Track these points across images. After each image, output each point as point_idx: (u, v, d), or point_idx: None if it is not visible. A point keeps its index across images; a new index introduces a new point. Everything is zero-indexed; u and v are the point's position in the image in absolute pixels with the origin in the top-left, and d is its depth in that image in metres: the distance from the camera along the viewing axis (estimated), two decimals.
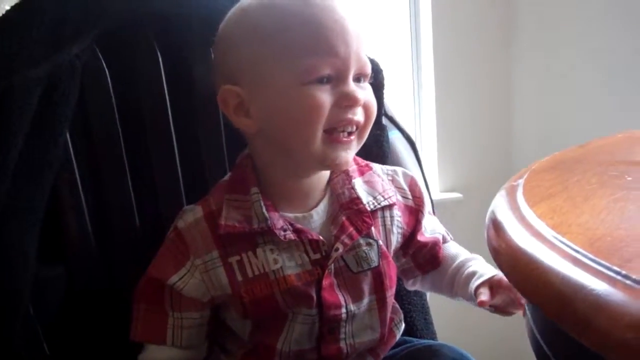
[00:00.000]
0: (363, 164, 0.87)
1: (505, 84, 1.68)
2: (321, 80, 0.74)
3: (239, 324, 0.81)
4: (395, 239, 0.85)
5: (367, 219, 0.81)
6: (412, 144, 1.05)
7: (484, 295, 0.77)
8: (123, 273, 0.86)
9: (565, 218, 0.49)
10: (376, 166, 0.89)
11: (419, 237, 0.88)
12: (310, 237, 0.78)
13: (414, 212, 0.88)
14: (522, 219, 0.51)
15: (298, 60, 0.73)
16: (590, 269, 0.40)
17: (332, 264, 0.79)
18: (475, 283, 0.81)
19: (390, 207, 0.85)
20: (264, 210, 0.77)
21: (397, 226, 0.85)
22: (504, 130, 1.71)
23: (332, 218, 0.81)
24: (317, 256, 0.78)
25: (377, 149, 0.99)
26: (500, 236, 0.53)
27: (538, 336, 0.51)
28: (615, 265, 0.39)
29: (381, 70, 1.02)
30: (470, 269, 0.85)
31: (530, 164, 0.70)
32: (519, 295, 0.76)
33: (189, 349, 0.80)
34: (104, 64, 0.86)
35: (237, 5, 0.79)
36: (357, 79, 0.77)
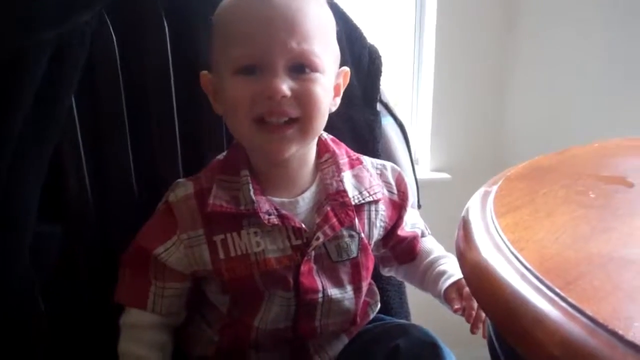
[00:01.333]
0: (354, 157, 0.90)
1: (501, 74, 1.72)
2: (248, 71, 0.76)
3: (219, 297, 0.85)
4: (377, 232, 0.89)
5: (350, 212, 0.84)
6: (403, 131, 1.08)
7: (457, 302, 0.83)
8: (117, 234, 0.90)
9: (525, 233, 0.54)
10: (367, 160, 0.91)
11: (400, 232, 0.92)
12: (293, 224, 0.81)
13: (398, 207, 0.92)
14: (487, 230, 0.56)
15: (227, 51, 0.78)
16: (535, 286, 0.45)
17: (313, 251, 0.82)
18: (444, 284, 0.87)
19: (375, 202, 0.88)
20: (252, 193, 0.80)
21: (381, 220, 0.89)
22: (496, 118, 1.76)
23: (317, 207, 0.84)
24: (299, 242, 0.81)
25: (369, 134, 1.02)
26: (467, 241, 0.58)
27: (494, 339, 0.56)
28: (557, 287, 0.44)
29: (379, 57, 1.06)
30: (440, 267, 0.90)
31: (505, 170, 0.75)
32: (472, 307, 0.81)
33: (167, 316, 0.84)
34: (112, 31, 0.89)
35: None
36: (298, 69, 0.77)
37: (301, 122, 0.78)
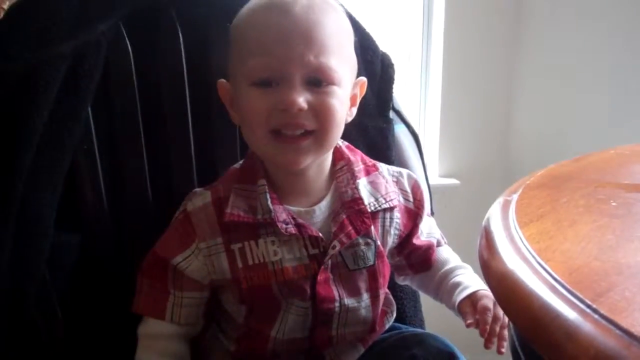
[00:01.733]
0: (370, 164, 0.90)
1: (508, 80, 1.72)
2: (265, 83, 0.76)
3: (235, 308, 0.85)
4: (392, 240, 0.89)
5: (367, 220, 0.84)
6: (416, 138, 1.08)
7: (471, 317, 0.82)
8: (134, 243, 0.91)
9: (551, 243, 0.54)
10: (383, 167, 0.91)
11: (415, 240, 0.92)
12: (310, 233, 0.81)
13: (413, 215, 0.92)
14: (512, 240, 0.56)
15: (245, 62, 0.78)
16: (566, 298, 0.45)
17: (329, 260, 0.82)
18: (458, 297, 0.86)
19: (391, 209, 0.88)
20: (269, 202, 0.80)
21: (395, 228, 0.89)
22: (503, 124, 1.76)
23: (333, 215, 0.84)
24: (315, 251, 0.82)
25: (382, 141, 1.03)
26: (490, 251, 0.57)
27: (519, 349, 0.56)
28: (588, 299, 0.44)
29: (392, 65, 1.06)
30: (456, 279, 0.90)
31: (525, 177, 0.75)
32: (486, 322, 0.81)
33: (185, 326, 0.84)
34: (128, 41, 0.90)
35: None
36: (315, 82, 0.77)
37: (317, 134, 0.78)
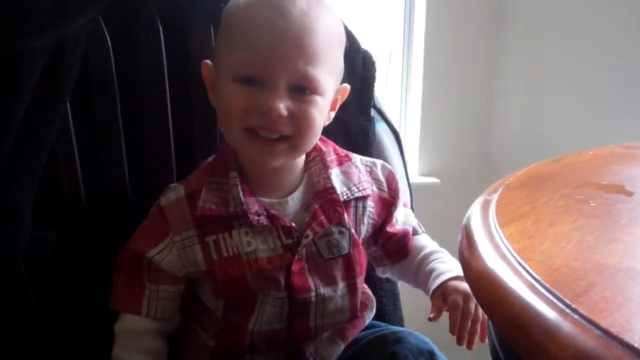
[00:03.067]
0: (343, 154, 0.90)
1: (489, 79, 1.73)
2: (248, 81, 0.76)
3: (213, 301, 0.85)
4: (365, 229, 0.89)
5: (339, 209, 0.84)
6: (396, 136, 1.09)
7: (435, 310, 0.82)
8: (111, 239, 0.90)
9: (530, 243, 0.54)
10: (356, 157, 0.92)
11: (389, 228, 0.92)
12: (283, 223, 0.81)
13: (387, 204, 0.92)
14: (492, 239, 0.56)
15: (231, 52, 0.77)
16: (545, 298, 0.45)
17: (303, 250, 0.82)
18: (432, 285, 0.86)
19: (364, 198, 0.88)
20: (241, 194, 0.80)
21: (368, 217, 0.89)
22: (484, 123, 1.77)
23: (306, 205, 0.84)
24: (289, 241, 0.82)
25: (363, 139, 1.03)
26: (471, 250, 0.57)
27: (498, 348, 0.56)
28: (567, 298, 0.44)
29: (373, 63, 1.06)
30: (430, 265, 0.89)
31: (505, 177, 0.75)
32: (456, 319, 0.80)
33: (161, 321, 0.84)
34: (107, 35, 0.89)
35: None
36: (298, 89, 0.77)
37: (293, 140, 0.79)
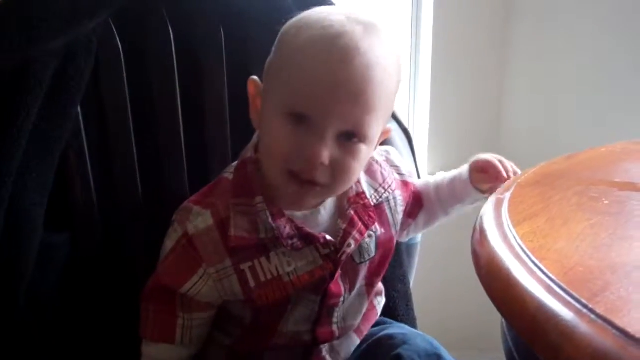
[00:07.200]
0: None
1: (498, 77, 1.72)
2: (297, 118, 0.73)
3: (240, 309, 0.83)
4: (400, 217, 0.90)
5: (372, 214, 0.84)
6: (408, 136, 1.08)
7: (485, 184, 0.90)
8: (124, 242, 0.90)
9: (545, 242, 0.54)
10: None
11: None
12: (317, 242, 0.80)
13: (407, 186, 0.93)
14: (505, 238, 0.56)
15: (283, 84, 0.74)
16: (562, 298, 0.45)
17: (343, 257, 0.81)
18: (463, 176, 0.92)
19: (392, 192, 0.89)
20: (270, 220, 0.77)
21: (400, 205, 0.90)
22: (494, 122, 1.76)
23: (339, 212, 0.83)
24: (327, 251, 0.80)
25: None
26: (484, 251, 0.57)
27: (513, 350, 0.56)
28: (584, 298, 0.44)
29: None
30: (447, 181, 0.94)
31: (517, 175, 0.75)
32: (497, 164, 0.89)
33: (196, 345, 0.83)
34: (118, 39, 0.89)
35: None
36: (347, 137, 0.74)
37: (329, 187, 0.77)
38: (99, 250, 0.90)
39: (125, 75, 0.90)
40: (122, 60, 0.89)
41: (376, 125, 0.76)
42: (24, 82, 0.80)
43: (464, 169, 0.93)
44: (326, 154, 0.72)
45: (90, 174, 0.88)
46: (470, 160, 0.92)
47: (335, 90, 0.71)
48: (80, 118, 0.87)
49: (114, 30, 0.88)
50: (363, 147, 0.76)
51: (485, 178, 0.89)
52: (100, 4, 0.86)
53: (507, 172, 0.87)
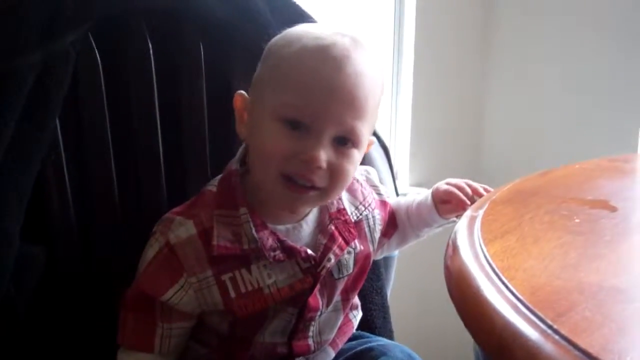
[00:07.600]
0: None
1: (479, 90, 1.74)
2: (292, 124, 0.75)
3: (217, 320, 0.83)
4: (378, 235, 0.92)
5: (353, 230, 0.86)
6: (386, 151, 1.09)
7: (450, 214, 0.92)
8: (102, 256, 0.90)
9: (514, 261, 0.55)
10: None
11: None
12: (299, 255, 0.81)
13: (384, 205, 0.95)
14: (477, 257, 0.57)
15: (279, 94, 0.76)
16: (528, 318, 0.45)
17: (323, 271, 0.82)
18: (427, 200, 0.94)
19: (371, 210, 0.91)
20: (253, 231, 0.78)
21: (378, 224, 0.92)
22: (475, 133, 1.78)
23: (320, 227, 0.84)
24: (307, 265, 0.81)
25: None
26: (457, 269, 0.58)
27: None
28: (549, 319, 0.44)
29: None
30: (415, 203, 0.96)
31: (490, 194, 0.76)
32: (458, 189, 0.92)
33: (173, 354, 0.82)
34: (97, 52, 0.89)
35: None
36: (341, 141, 0.77)
37: (324, 190, 0.78)
38: (76, 265, 0.89)
39: (104, 88, 0.89)
40: (101, 74, 0.89)
41: (366, 132, 0.79)
42: (0, 93, 0.79)
43: (427, 195, 0.95)
44: (324, 157, 0.75)
45: (67, 187, 0.88)
46: (432, 188, 0.95)
47: (331, 95, 0.74)
48: (58, 131, 0.87)
49: (93, 43, 0.88)
50: (356, 152, 0.79)
51: (449, 208, 0.92)
52: (80, 18, 0.86)
53: (469, 197, 0.90)
